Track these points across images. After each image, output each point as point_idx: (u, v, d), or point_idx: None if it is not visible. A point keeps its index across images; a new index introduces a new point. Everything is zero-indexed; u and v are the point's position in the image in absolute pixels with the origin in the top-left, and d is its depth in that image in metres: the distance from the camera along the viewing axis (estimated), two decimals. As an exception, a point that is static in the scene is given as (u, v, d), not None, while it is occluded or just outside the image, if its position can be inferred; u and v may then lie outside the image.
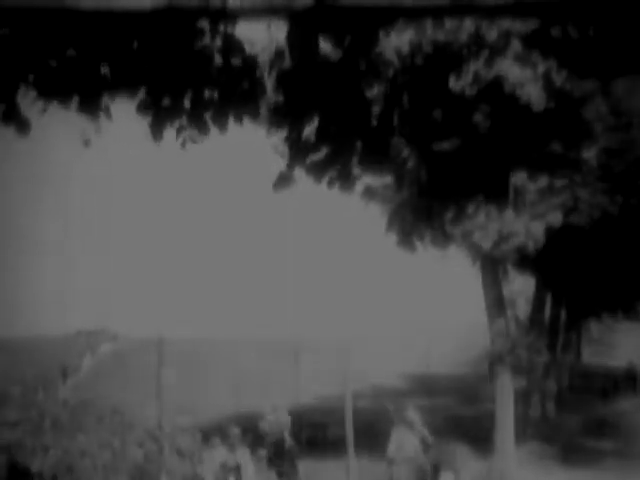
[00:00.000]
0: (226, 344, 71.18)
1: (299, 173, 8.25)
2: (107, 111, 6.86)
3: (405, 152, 14.79)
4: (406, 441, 14.48)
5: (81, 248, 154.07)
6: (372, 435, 19.29)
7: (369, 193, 15.03)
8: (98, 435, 17.21)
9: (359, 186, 9.73)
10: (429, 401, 39.63)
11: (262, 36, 8.03)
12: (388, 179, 18.25)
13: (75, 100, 6.68)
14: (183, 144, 7.25)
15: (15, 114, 6.68)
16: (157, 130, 6.97)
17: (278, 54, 7.57)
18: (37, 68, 6.42)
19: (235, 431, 15.66)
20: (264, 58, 7.45)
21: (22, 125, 6.77)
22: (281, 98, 7.42)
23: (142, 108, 6.81)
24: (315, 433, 27.71)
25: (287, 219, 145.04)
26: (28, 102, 6.72)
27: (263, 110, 7.26)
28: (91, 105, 6.65)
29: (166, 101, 6.78)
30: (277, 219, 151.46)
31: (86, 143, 7.19)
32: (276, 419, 16.85)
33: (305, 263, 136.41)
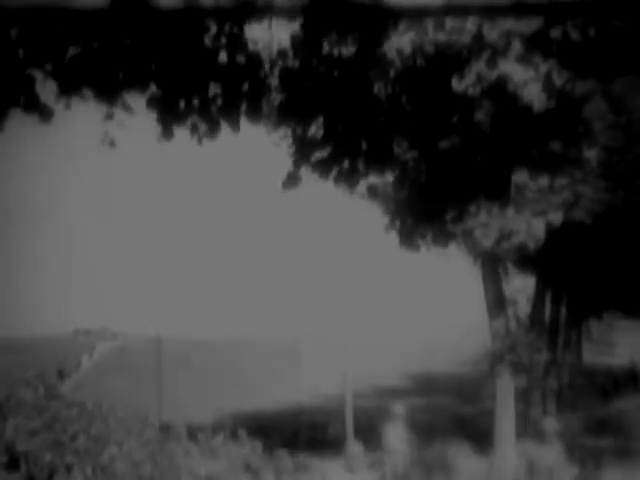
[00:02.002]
0: (226, 344, 71.15)
1: (303, 171, 8.21)
2: (127, 106, 6.79)
3: (407, 151, 14.79)
4: (539, 456, 12.57)
5: (81, 248, 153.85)
6: (373, 434, 19.28)
7: (372, 191, 14.97)
8: (130, 446, 16.10)
9: (362, 185, 9.68)
10: (429, 400, 39.63)
11: (265, 34, 8.00)
12: (389, 177, 18.21)
13: (91, 91, 6.62)
14: (200, 141, 7.20)
15: (35, 103, 6.63)
16: (167, 128, 6.91)
17: (281, 52, 7.53)
18: (54, 60, 6.38)
19: (356, 450, 14.15)
20: (267, 56, 7.41)
21: (44, 113, 6.71)
22: (285, 96, 7.38)
23: (152, 104, 6.75)
24: (315, 432, 27.69)
25: (286, 218, 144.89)
26: (47, 90, 6.68)
27: (267, 108, 7.22)
28: (108, 94, 6.59)
29: (176, 99, 6.73)
30: (277, 218, 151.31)
31: (111, 144, 7.12)
32: (396, 431, 14.65)
33: (305, 262, 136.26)
